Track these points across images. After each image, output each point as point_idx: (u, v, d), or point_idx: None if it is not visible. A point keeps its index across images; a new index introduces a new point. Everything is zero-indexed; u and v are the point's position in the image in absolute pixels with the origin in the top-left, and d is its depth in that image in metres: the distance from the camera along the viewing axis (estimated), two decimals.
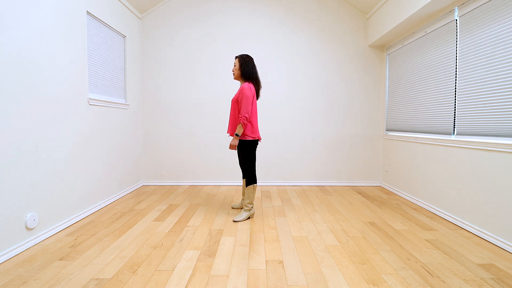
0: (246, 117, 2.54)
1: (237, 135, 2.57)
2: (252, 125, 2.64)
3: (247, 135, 2.63)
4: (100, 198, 3.05)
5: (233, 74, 2.73)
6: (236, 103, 2.67)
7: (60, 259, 1.91)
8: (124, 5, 3.54)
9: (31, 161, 2.13)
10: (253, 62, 2.69)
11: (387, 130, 4.04)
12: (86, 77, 2.79)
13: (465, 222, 2.49)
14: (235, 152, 4.16)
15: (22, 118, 2.05)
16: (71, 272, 1.74)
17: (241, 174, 4.00)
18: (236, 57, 2.71)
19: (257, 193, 3.73)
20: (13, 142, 1.98)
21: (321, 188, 4.03)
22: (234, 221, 2.64)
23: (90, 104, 2.85)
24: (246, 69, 2.65)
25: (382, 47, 4.11)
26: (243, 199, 2.99)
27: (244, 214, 2.69)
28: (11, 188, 1.96)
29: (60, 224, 2.44)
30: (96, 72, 3.00)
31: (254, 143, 2.67)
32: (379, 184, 4.20)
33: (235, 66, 2.70)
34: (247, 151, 2.66)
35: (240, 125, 2.55)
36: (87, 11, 2.81)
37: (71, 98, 2.58)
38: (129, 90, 3.73)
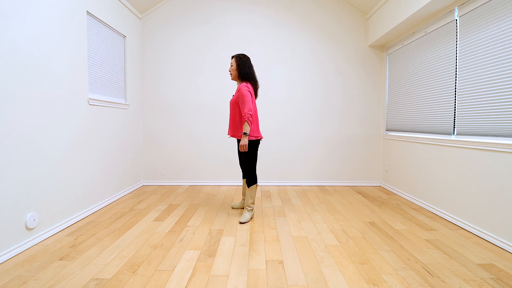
0: (250, 114, 2.49)
1: (245, 133, 2.50)
2: (254, 125, 2.65)
3: (249, 135, 2.60)
4: (100, 198, 3.05)
5: (231, 74, 2.69)
6: (236, 104, 2.64)
7: (60, 259, 1.91)
8: (124, 5, 3.54)
9: (31, 161, 2.13)
10: (250, 61, 2.65)
11: (387, 130, 4.03)
12: (86, 77, 2.79)
13: (465, 222, 2.49)
14: (235, 152, 4.16)
15: (22, 118, 2.05)
16: (71, 272, 1.74)
17: (241, 174, 4.00)
18: (233, 57, 2.67)
19: (257, 193, 3.73)
20: (13, 142, 1.98)
21: (321, 188, 4.03)
22: (240, 223, 2.61)
23: (90, 104, 2.85)
24: (244, 70, 2.61)
25: (382, 47, 4.11)
26: (243, 199, 2.99)
27: (248, 215, 2.68)
28: (11, 188, 1.96)
29: (60, 224, 2.44)
30: (96, 72, 3.00)
31: (256, 142, 2.66)
32: (379, 184, 4.20)
33: (232, 66, 2.66)
34: (249, 151, 2.65)
35: (246, 123, 2.49)
36: (87, 11, 2.81)
37: (71, 98, 2.58)
38: (129, 90, 3.73)
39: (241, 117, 2.63)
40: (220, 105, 4.14)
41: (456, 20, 2.65)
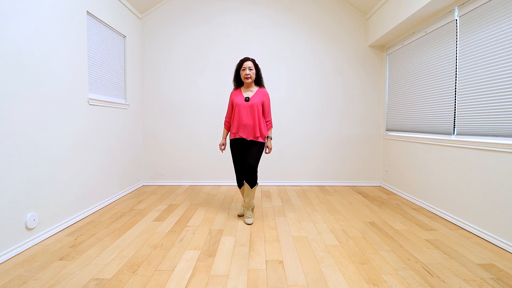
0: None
1: (271, 138, 2.76)
2: None
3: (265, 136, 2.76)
4: (100, 198, 3.05)
5: (249, 78, 2.62)
6: (257, 107, 2.62)
7: (60, 259, 1.91)
8: (124, 5, 3.54)
9: (31, 161, 2.13)
10: None
11: (387, 130, 4.03)
12: (86, 77, 2.79)
13: (465, 222, 2.49)
14: None
15: (22, 118, 2.05)
16: (71, 272, 1.74)
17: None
18: (249, 60, 2.64)
19: (257, 193, 3.73)
20: (14, 142, 1.98)
21: (321, 188, 4.03)
22: (249, 224, 2.59)
23: (90, 104, 2.85)
24: (260, 74, 2.73)
25: (382, 47, 4.11)
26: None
27: (251, 214, 2.71)
28: (11, 188, 1.96)
29: (60, 224, 2.44)
30: (96, 72, 3.00)
31: None
32: (379, 184, 4.20)
33: (251, 70, 2.62)
34: (262, 151, 2.69)
35: (271, 129, 2.79)
36: (87, 11, 2.81)
37: (71, 98, 2.58)
38: (129, 90, 3.73)
39: (261, 118, 2.66)
40: (220, 105, 4.14)
41: (456, 20, 2.65)
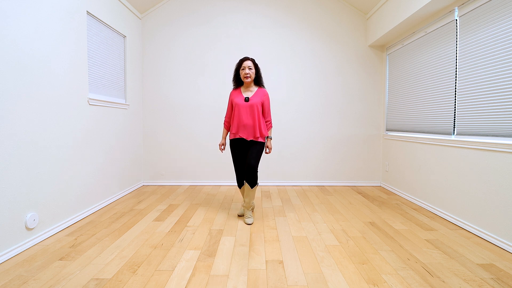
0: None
1: (271, 138, 2.79)
2: None
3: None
4: (100, 198, 3.05)
5: (249, 77, 2.61)
6: (257, 107, 2.61)
7: (60, 259, 1.91)
8: (124, 5, 3.54)
9: (31, 161, 2.13)
10: None
11: (387, 130, 4.03)
12: (86, 77, 2.79)
13: (465, 222, 2.49)
14: None
15: (22, 118, 2.05)
16: (71, 272, 1.74)
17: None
18: (250, 59, 2.64)
19: (257, 193, 3.73)
20: (13, 142, 1.98)
21: (321, 188, 4.03)
22: (249, 224, 2.59)
23: (90, 104, 2.85)
24: (260, 74, 2.72)
25: (382, 47, 4.11)
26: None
27: (251, 214, 2.71)
28: (11, 188, 1.96)
29: (60, 224, 2.44)
30: (96, 72, 3.00)
31: None
32: (379, 184, 4.20)
33: (251, 69, 2.61)
34: (262, 151, 2.69)
35: (271, 129, 2.80)
36: (87, 11, 2.81)
37: (71, 98, 2.58)
38: (129, 90, 3.73)
39: (261, 118, 2.65)
40: (220, 105, 4.14)
41: (456, 20, 2.65)
